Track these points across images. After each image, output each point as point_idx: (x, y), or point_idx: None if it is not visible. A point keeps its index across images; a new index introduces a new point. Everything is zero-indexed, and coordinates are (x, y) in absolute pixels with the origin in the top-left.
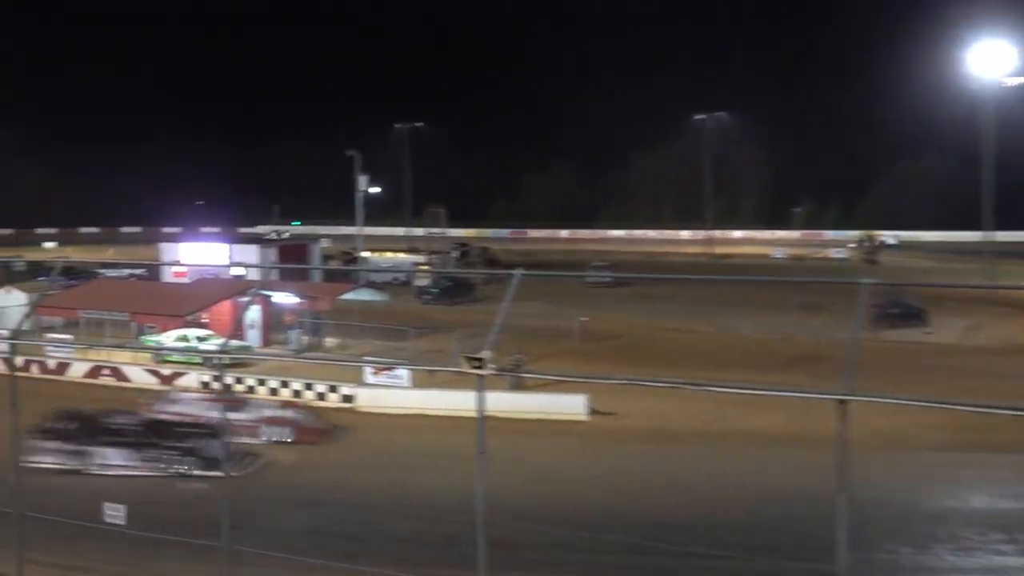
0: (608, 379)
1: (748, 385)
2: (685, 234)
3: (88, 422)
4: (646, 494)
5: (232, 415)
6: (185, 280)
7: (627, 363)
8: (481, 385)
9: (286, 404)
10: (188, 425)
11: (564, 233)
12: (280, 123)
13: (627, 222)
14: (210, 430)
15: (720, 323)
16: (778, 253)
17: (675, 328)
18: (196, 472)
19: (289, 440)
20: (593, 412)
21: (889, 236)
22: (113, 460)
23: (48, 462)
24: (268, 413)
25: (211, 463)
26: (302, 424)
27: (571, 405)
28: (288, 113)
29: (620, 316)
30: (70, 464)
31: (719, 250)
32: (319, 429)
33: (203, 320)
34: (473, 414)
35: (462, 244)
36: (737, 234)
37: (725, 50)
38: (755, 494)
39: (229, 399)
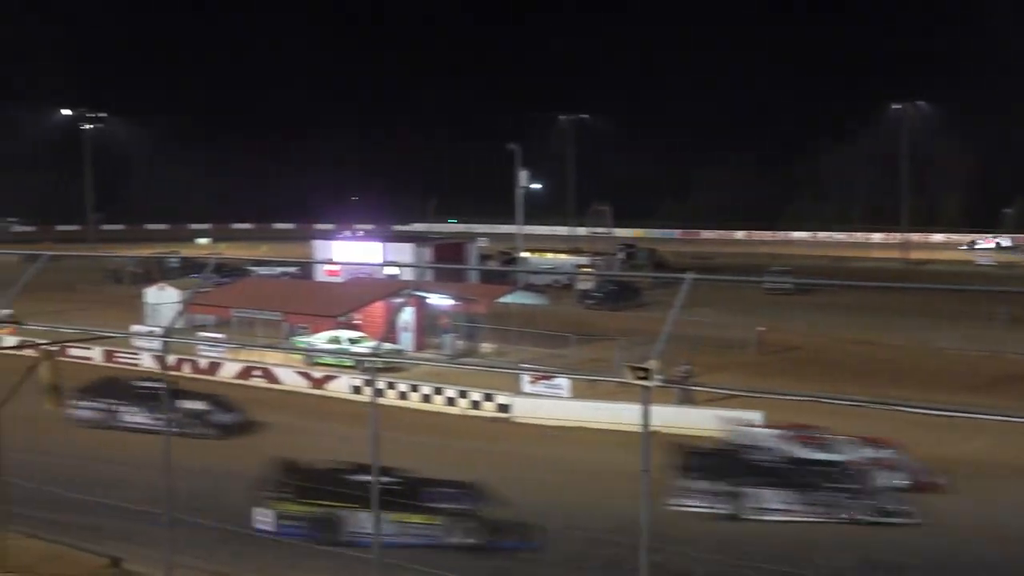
0: (787, 395)
1: (944, 406)
2: (877, 237)
3: (731, 458)
4: (829, 524)
5: (826, 455)
6: (338, 279)
7: (808, 378)
8: (647, 398)
9: (871, 441)
10: (834, 464)
11: (740, 234)
12: (438, 116)
13: (811, 223)
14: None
15: (913, 336)
16: (984, 259)
17: (862, 341)
18: (875, 519)
19: (904, 485)
20: None
21: (1006, 238)
22: (771, 503)
23: (697, 505)
24: (870, 453)
25: (887, 510)
26: (918, 469)
27: (745, 422)
28: (446, 106)
29: (801, 326)
30: (722, 508)
31: (915, 255)
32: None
33: (356, 321)
34: (637, 429)
35: (628, 245)
36: (937, 237)
37: (923, 30)
38: (958, 528)
39: (814, 437)
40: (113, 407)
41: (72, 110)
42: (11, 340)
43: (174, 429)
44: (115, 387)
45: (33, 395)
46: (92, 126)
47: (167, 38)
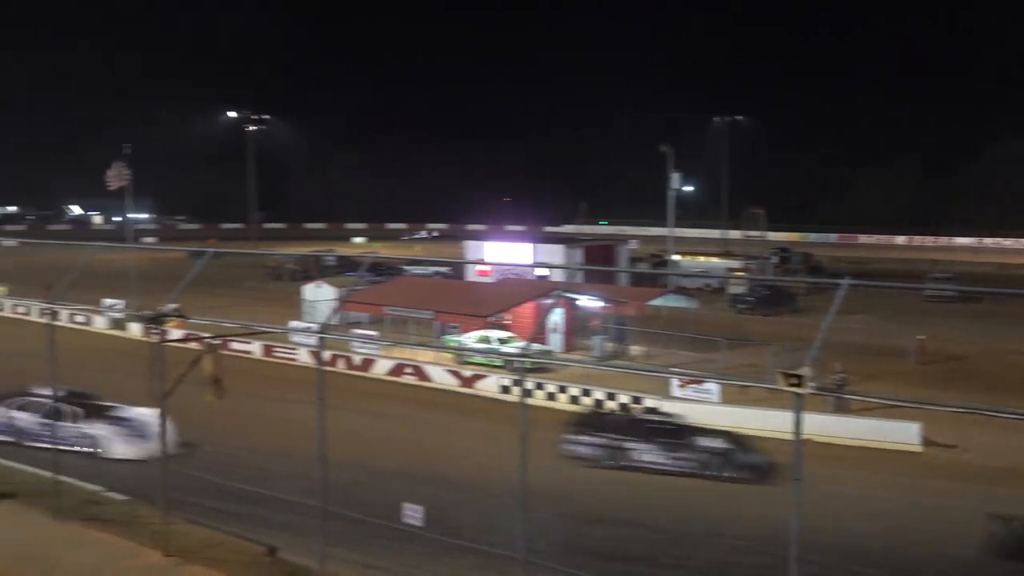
0: (947, 407)
1: None
2: None
3: None
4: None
5: None
6: (489, 279)
7: (970, 389)
8: (799, 405)
9: None
10: None
11: (901, 239)
12: (592, 117)
13: (977, 228)
14: None
15: None
16: None
17: None
18: None
19: None
20: (928, 443)
21: None
22: None
23: None
24: None
25: None
26: None
27: (902, 433)
28: (600, 107)
29: (964, 335)
30: None
31: None
32: None
33: (505, 321)
34: (789, 436)
35: (782, 249)
36: None
37: None
38: None
39: None
40: (619, 443)
41: (237, 112)
42: (177, 333)
43: (703, 472)
44: (617, 421)
45: (196, 387)
46: (256, 128)
47: (331, 41)
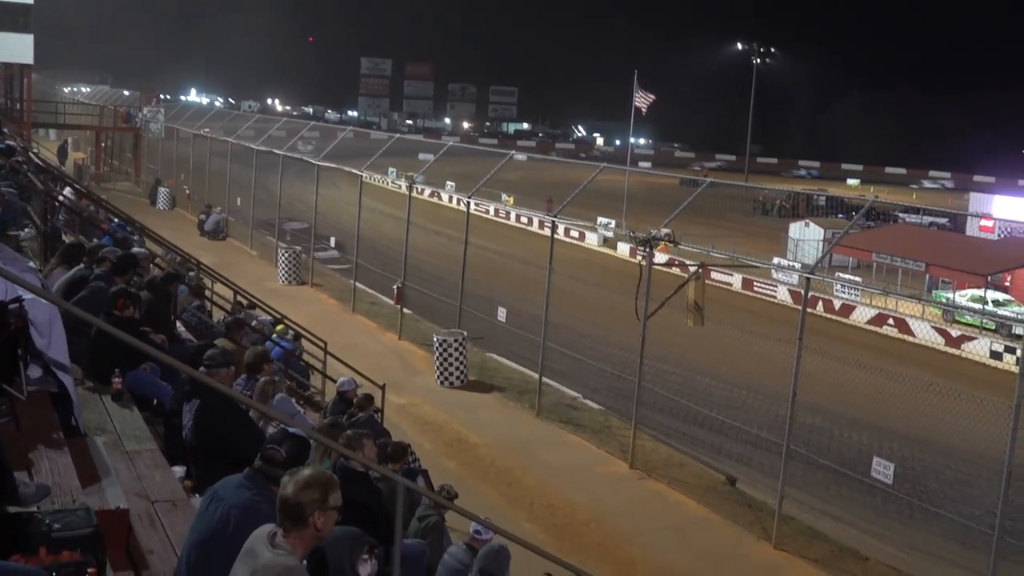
0: None
1: None
2: None
3: None
4: None
5: None
6: (992, 236)
7: None
8: None
9: None
10: None
11: None
12: None
13: None
14: None
15: None
16: None
17: None
18: None
19: None
20: None
21: None
22: None
23: None
24: None
25: None
26: None
27: None
28: None
29: None
30: None
31: None
32: None
33: (1005, 283)
34: None
35: None
36: None
37: None
38: None
39: None
40: None
41: (746, 44)
42: (661, 257)
43: None
44: None
45: (677, 310)
46: (760, 60)
47: None
